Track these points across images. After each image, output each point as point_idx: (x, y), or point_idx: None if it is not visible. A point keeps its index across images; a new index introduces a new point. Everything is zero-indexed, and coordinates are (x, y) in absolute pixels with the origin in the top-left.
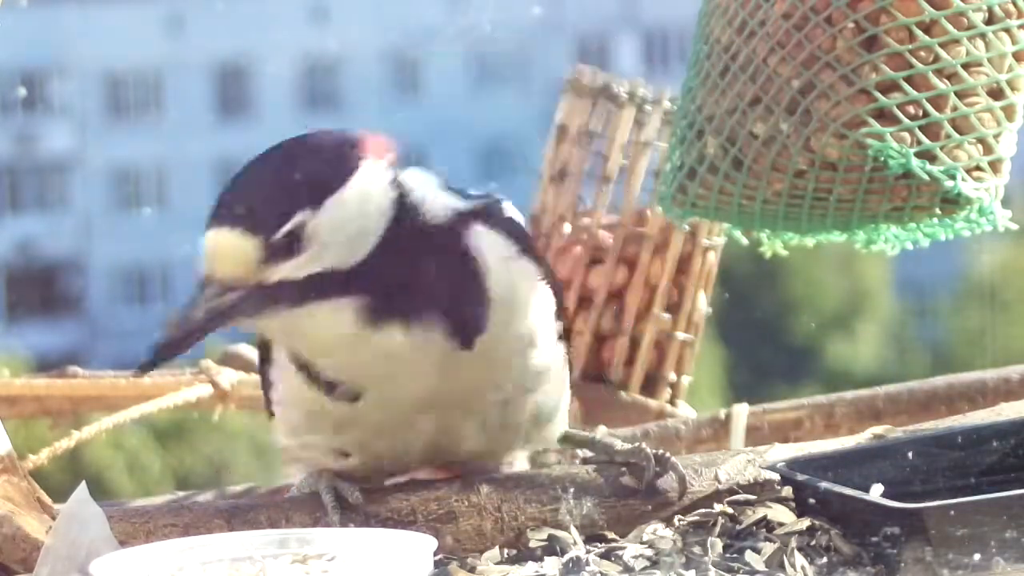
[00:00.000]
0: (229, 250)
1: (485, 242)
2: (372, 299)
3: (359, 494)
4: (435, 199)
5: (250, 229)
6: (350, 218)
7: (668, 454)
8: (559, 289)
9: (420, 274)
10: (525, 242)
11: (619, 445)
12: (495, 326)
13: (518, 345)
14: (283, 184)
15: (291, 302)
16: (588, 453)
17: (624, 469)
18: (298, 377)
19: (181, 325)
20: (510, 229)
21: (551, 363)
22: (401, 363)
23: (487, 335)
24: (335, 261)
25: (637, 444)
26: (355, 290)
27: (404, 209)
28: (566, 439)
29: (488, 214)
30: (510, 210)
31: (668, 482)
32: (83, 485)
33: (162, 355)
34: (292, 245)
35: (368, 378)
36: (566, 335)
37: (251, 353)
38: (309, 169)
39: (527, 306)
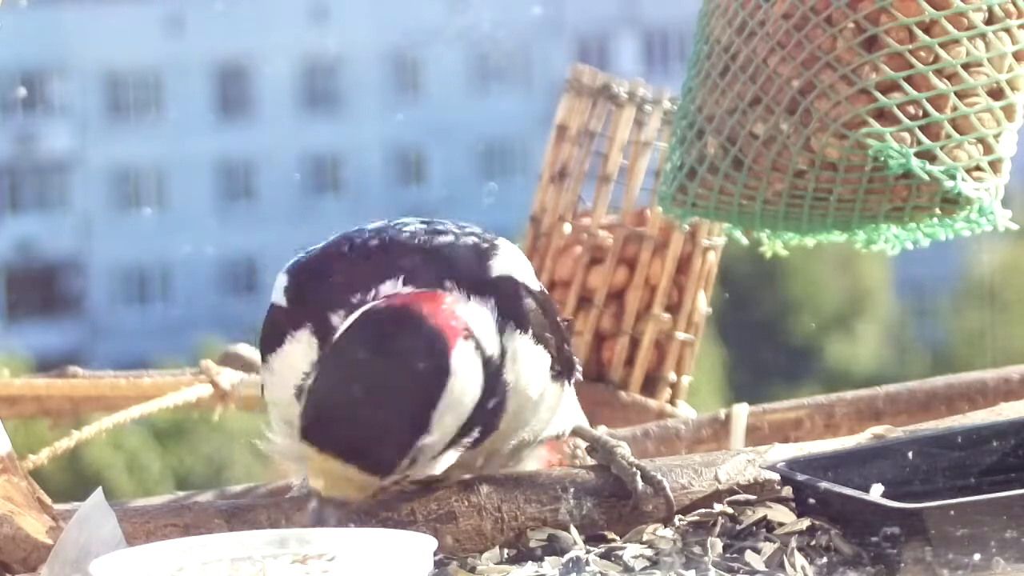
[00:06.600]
0: (349, 477)
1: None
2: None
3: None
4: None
5: (370, 468)
6: (455, 407)
7: (660, 476)
8: (558, 327)
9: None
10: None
11: (619, 455)
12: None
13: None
14: (392, 419)
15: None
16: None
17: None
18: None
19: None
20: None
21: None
22: None
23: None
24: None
25: (631, 463)
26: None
27: (490, 371)
28: (576, 433)
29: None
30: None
31: (656, 504)
32: (99, 490)
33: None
34: (410, 463)
35: None
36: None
37: (251, 353)
38: (412, 392)
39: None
